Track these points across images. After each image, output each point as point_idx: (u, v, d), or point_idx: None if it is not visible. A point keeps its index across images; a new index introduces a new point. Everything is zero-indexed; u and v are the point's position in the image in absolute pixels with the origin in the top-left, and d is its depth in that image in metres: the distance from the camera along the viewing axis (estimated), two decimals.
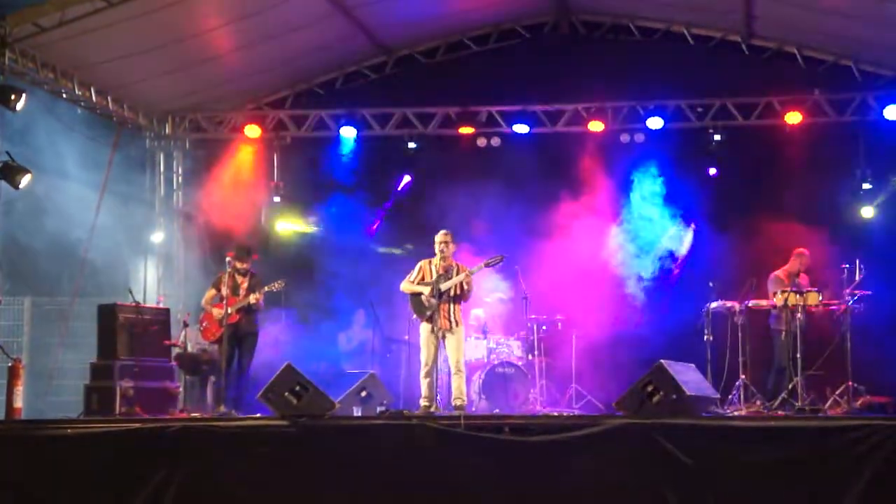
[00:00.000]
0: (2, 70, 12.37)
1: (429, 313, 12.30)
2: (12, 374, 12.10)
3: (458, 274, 12.38)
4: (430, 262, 12.58)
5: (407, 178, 16.67)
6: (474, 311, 14.81)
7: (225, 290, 13.19)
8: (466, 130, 16.25)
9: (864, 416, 11.29)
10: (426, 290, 12.34)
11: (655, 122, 15.82)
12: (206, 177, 16.70)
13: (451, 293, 12.36)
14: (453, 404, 12.16)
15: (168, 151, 17.13)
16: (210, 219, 16.52)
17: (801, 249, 13.88)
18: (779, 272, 13.80)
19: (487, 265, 12.49)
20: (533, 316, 14.60)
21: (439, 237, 12.50)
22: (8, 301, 12.96)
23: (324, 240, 16.42)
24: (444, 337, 12.33)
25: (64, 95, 14.40)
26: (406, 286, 12.58)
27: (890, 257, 14.61)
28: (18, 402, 12.04)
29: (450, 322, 12.33)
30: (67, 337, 15.37)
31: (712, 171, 15.85)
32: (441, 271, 12.43)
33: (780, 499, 9.93)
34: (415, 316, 12.61)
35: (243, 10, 14.30)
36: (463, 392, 12.30)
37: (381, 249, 16.33)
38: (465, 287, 12.39)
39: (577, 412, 13.62)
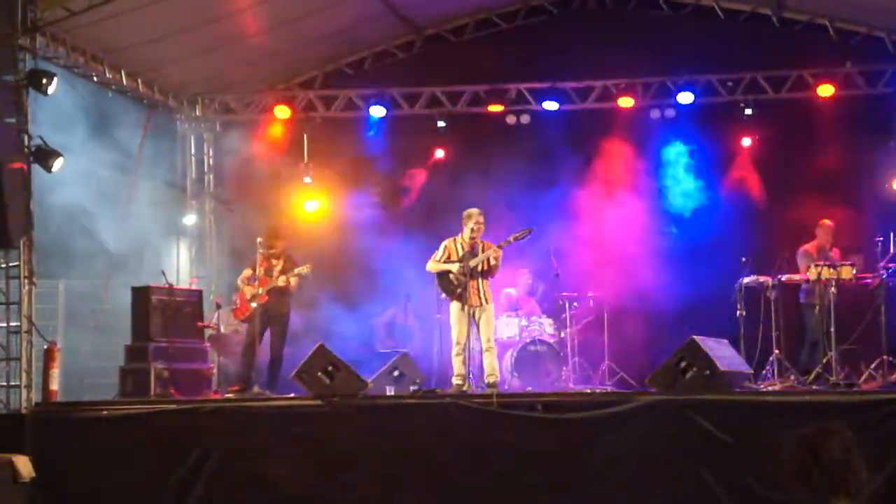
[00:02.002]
0: (33, 54, 12.41)
1: (458, 291, 12.29)
2: (48, 357, 12.19)
3: (484, 250, 12.37)
4: (454, 240, 12.57)
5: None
6: (505, 290, 14.80)
7: (259, 271, 13.24)
8: (496, 108, 16.21)
9: None
10: (454, 268, 12.33)
11: (686, 97, 15.71)
12: (237, 158, 16.73)
13: (480, 269, 12.36)
14: (486, 381, 12.17)
15: (198, 133, 17.16)
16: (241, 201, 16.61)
17: (825, 220, 13.81)
18: (807, 246, 13.73)
19: (516, 239, 12.45)
20: (564, 293, 14.59)
21: (475, 216, 12.47)
22: (42, 284, 13.01)
23: (354, 219, 16.39)
24: (474, 314, 12.34)
25: (94, 79, 14.44)
26: (433, 266, 12.56)
27: None
28: (54, 385, 12.13)
29: (480, 299, 12.34)
30: (101, 319, 15.47)
31: (746, 141, 15.79)
32: (467, 248, 12.43)
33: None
34: (443, 295, 12.60)
35: None
36: (495, 369, 12.31)
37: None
38: (494, 262, 12.39)
39: (609, 389, 13.61)
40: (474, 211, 12.49)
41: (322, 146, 16.80)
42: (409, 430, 10.68)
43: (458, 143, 16.51)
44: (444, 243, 12.58)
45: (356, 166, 16.51)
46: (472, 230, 12.39)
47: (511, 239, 12.41)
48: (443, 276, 12.43)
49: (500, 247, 12.38)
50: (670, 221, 15.71)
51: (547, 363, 13.95)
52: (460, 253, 12.42)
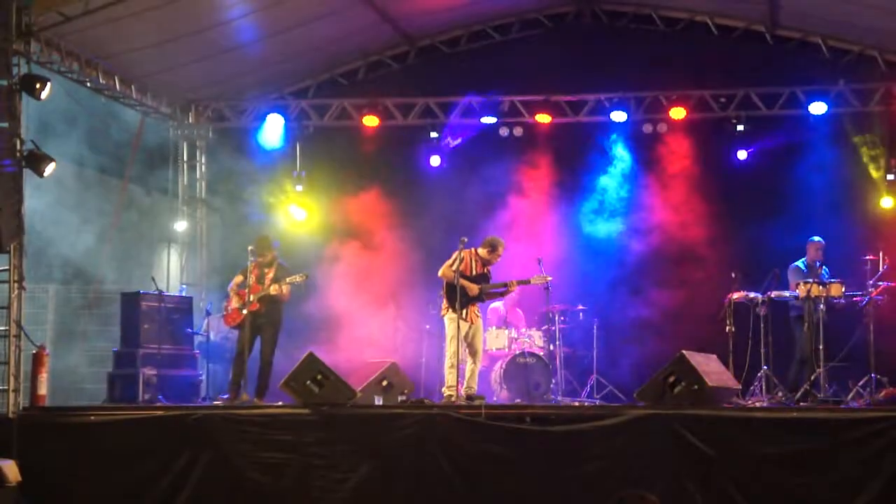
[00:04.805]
0: (27, 59, 12.40)
1: (464, 304, 12.37)
2: (37, 362, 12.17)
3: (489, 276, 12.60)
4: (469, 253, 12.59)
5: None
6: (495, 303, 14.82)
7: (250, 279, 13.21)
8: (489, 120, 16.22)
9: (886, 408, 11.26)
10: (475, 288, 12.44)
11: (678, 112, 15.77)
12: (229, 165, 16.72)
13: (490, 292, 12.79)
14: (465, 393, 12.20)
15: (191, 140, 17.16)
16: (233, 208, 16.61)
17: (816, 238, 13.85)
18: (798, 263, 13.76)
19: (534, 282, 12.81)
20: (554, 306, 14.60)
21: (501, 247, 12.72)
22: (32, 289, 12.99)
23: (346, 229, 16.36)
24: (470, 328, 12.42)
25: (88, 84, 14.43)
26: (449, 273, 12.47)
27: None
28: (43, 390, 12.11)
29: (477, 315, 12.52)
30: (91, 325, 15.45)
31: (742, 154, 15.82)
32: (481, 270, 12.57)
33: (801, 490, 9.93)
34: (445, 304, 12.53)
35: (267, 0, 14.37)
36: (476, 381, 12.47)
37: None
38: (506, 290, 12.88)
39: (598, 402, 13.63)
40: (501, 242, 12.72)
41: (314, 155, 16.79)
42: (397, 440, 10.68)
43: (451, 154, 16.47)
44: (461, 254, 12.48)
45: (348, 175, 16.47)
46: (494, 258, 12.62)
47: (530, 281, 12.85)
48: (454, 287, 12.36)
49: (518, 283, 12.73)
50: (660, 235, 15.70)
51: (536, 375, 13.95)
52: (474, 270, 12.51)
